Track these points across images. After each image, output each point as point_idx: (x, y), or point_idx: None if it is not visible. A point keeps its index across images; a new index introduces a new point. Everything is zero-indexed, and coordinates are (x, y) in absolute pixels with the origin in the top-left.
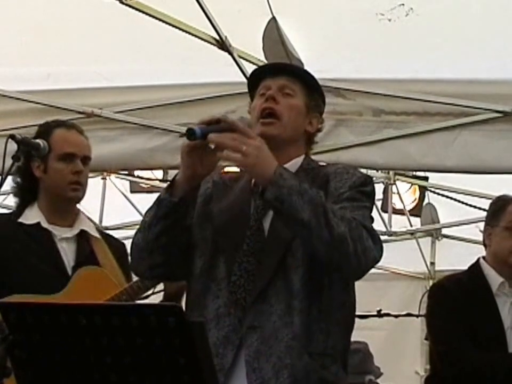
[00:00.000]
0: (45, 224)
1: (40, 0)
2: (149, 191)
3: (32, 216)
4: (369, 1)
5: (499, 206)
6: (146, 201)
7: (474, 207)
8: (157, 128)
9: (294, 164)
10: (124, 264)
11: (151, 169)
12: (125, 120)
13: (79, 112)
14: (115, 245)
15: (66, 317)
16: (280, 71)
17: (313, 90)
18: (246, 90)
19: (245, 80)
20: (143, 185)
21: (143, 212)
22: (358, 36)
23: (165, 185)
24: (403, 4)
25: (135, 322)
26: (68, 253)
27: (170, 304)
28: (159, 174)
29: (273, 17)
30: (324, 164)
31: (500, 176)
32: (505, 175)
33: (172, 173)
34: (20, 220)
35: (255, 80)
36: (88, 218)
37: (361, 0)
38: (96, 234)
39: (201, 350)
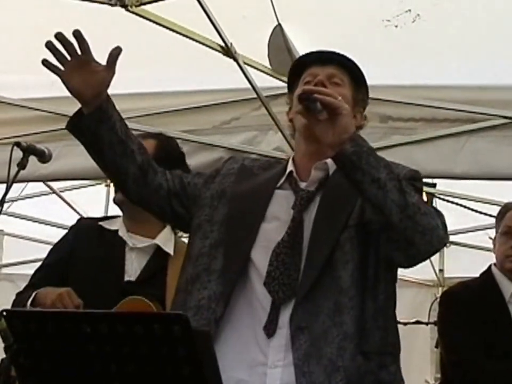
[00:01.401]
0: (121, 233)
1: (44, 8)
2: None
3: (115, 223)
4: (375, 7)
5: (501, 212)
6: None
7: (483, 213)
8: None
9: None
10: None
11: None
12: (129, 127)
13: None
14: None
15: (71, 325)
16: (329, 60)
17: (360, 84)
18: (251, 96)
19: (249, 86)
20: None
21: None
22: (364, 42)
23: None
24: (410, 10)
25: (139, 330)
26: (134, 264)
27: (176, 313)
28: None
29: (279, 24)
30: None
31: (509, 182)
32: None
33: None
34: (101, 223)
35: (299, 67)
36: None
37: (368, 6)
38: (169, 251)
39: (206, 359)
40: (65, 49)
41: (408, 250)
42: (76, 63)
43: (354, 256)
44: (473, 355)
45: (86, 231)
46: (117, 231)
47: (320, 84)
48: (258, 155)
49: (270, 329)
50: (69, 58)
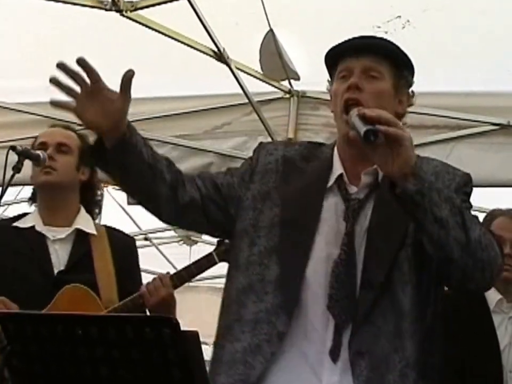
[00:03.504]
0: (39, 227)
1: (40, 13)
2: None
3: (29, 220)
4: (366, 13)
5: (487, 220)
6: (143, 213)
7: None
8: (153, 139)
9: None
10: (127, 261)
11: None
12: None
13: (78, 124)
14: (121, 241)
15: (63, 327)
16: (364, 49)
17: (402, 68)
18: (243, 101)
19: (240, 91)
20: None
21: (140, 224)
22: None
23: None
24: (400, 16)
25: (130, 333)
26: (60, 255)
27: (166, 316)
28: None
29: (271, 30)
30: None
31: (495, 189)
32: (500, 188)
33: None
34: (15, 224)
35: (333, 58)
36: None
37: (358, 12)
38: (93, 231)
39: (196, 362)
40: (72, 79)
41: (466, 286)
42: (86, 94)
43: (412, 277)
44: (454, 363)
45: (1, 235)
46: (33, 227)
47: (354, 87)
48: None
49: (335, 354)
50: (78, 90)
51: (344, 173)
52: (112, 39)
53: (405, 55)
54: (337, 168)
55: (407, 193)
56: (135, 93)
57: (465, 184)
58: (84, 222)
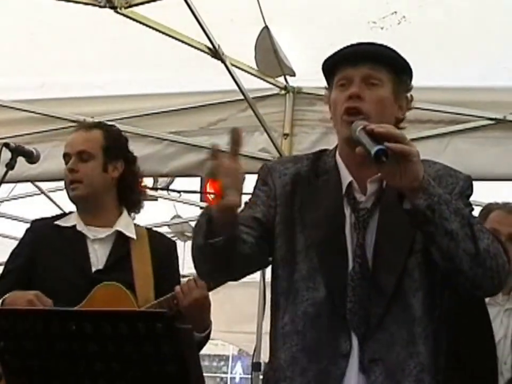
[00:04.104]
0: (80, 227)
1: (34, 10)
2: None
3: (70, 219)
4: (361, 9)
5: (483, 214)
6: None
7: None
8: (149, 136)
9: None
10: (166, 264)
11: (142, 177)
12: None
13: (73, 121)
14: (161, 244)
15: (57, 323)
16: (362, 57)
17: (401, 73)
18: (238, 98)
19: (236, 88)
20: None
21: (133, 220)
22: (350, 44)
23: (155, 193)
24: (395, 12)
25: (123, 328)
26: (99, 255)
27: (159, 311)
28: (149, 181)
29: (266, 26)
30: None
31: (492, 183)
32: (496, 183)
33: (162, 181)
34: (57, 222)
35: (331, 66)
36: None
37: (354, 8)
38: (132, 235)
39: (189, 356)
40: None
41: (474, 293)
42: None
43: (423, 283)
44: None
45: (43, 232)
46: (74, 226)
47: (355, 96)
48: (244, 156)
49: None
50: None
51: (354, 180)
52: (107, 36)
53: (404, 60)
54: (346, 177)
55: (418, 210)
56: (130, 90)
57: (468, 188)
58: (124, 225)
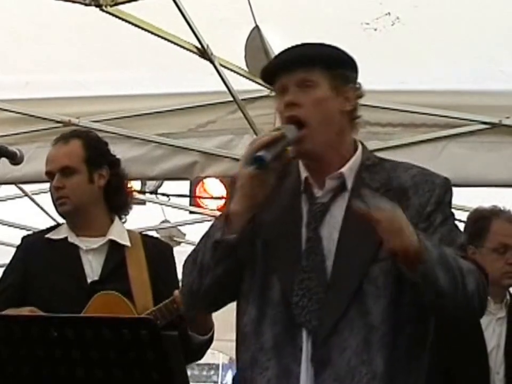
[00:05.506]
0: (71, 239)
1: (18, 8)
2: None
3: (61, 231)
4: (354, 10)
5: (481, 225)
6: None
7: (460, 220)
8: (135, 138)
9: (353, 165)
10: (162, 269)
11: (128, 180)
12: (103, 129)
13: (57, 121)
14: (156, 249)
15: (37, 329)
16: (295, 63)
17: (335, 67)
18: (227, 99)
19: (225, 89)
20: None
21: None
22: (343, 45)
23: (142, 196)
24: (389, 13)
25: (107, 335)
26: (93, 266)
27: (143, 317)
28: (136, 184)
29: (257, 26)
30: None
31: (486, 188)
32: (491, 188)
33: (149, 184)
34: (48, 236)
35: (269, 76)
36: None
37: (347, 9)
38: (126, 243)
39: (174, 362)
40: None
41: (451, 320)
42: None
43: (388, 292)
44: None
45: (34, 247)
46: (66, 238)
47: (290, 104)
48: (233, 159)
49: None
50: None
51: (309, 176)
52: (92, 35)
53: (338, 52)
54: (302, 172)
55: (415, 276)
56: (117, 90)
57: (446, 193)
58: (117, 232)
